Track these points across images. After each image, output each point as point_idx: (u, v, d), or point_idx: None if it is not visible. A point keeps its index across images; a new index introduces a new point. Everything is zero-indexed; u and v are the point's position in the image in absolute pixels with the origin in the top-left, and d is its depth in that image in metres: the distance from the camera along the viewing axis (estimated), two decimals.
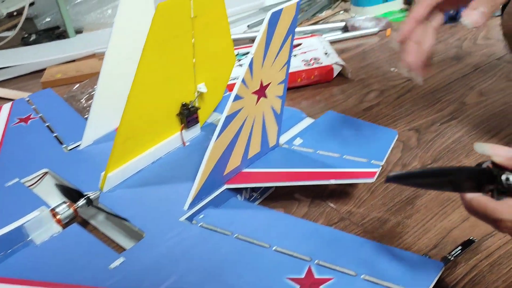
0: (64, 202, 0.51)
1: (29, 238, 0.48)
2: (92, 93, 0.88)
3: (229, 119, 0.48)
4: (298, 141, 0.59)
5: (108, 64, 0.62)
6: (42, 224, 0.49)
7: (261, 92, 0.51)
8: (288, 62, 0.53)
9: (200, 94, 0.61)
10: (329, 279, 0.39)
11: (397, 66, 0.87)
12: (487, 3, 0.43)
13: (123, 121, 0.53)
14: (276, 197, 0.58)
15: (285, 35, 0.50)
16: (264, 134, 0.55)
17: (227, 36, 0.63)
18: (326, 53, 0.87)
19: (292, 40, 0.52)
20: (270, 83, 0.52)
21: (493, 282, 0.45)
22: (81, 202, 0.52)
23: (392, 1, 1.15)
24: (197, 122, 0.62)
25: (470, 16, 0.43)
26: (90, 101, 0.86)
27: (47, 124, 0.69)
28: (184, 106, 0.59)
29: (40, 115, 0.72)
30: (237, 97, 0.48)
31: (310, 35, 0.98)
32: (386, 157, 0.55)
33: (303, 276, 0.40)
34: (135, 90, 0.52)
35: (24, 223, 0.47)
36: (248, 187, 0.55)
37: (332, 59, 0.85)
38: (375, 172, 0.51)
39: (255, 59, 0.47)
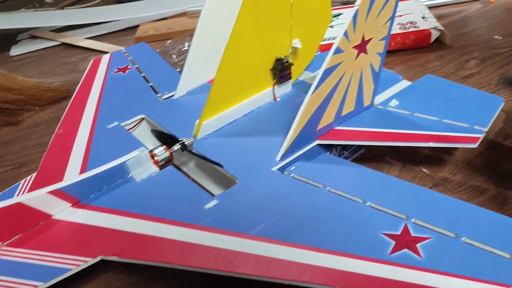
0: (161, 145, 0.54)
1: (130, 175, 0.51)
2: (183, 49, 0.91)
3: (327, 72, 0.48)
4: (394, 102, 0.57)
5: (205, 18, 0.63)
6: (141, 163, 0.51)
7: (362, 47, 0.50)
8: (392, 18, 0.51)
9: (294, 50, 0.61)
10: (426, 238, 0.38)
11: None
12: None
13: (219, 72, 0.53)
14: (366, 159, 0.57)
15: None
16: (360, 92, 0.54)
17: None
18: (423, 17, 0.83)
19: None
20: (371, 38, 0.50)
21: None
22: (176, 146, 0.54)
23: None
24: (289, 78, 0.61)
25: None
26: (180, 57, 0.89)
27: (143, 75, 0.72)
28: (279, 61, 0.59)
29: (136, 66, 0.75)
30: (338, 50, 0.47)
31: None
32: (491, 123, 0.51)
33: (399, 232, 0.39)
34: (232, 43, 0.52)
35: (126, 161, 0.50)
36: (338, 145, 0.54)
37: (430, 24, 0.80)
38: (478, 138, 0.49)
39: (360, 11, 0.46)
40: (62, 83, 0.89)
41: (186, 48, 0.91)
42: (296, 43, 0.60)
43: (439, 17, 0.89)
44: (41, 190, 0.45)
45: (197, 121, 0.55)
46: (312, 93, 0.47)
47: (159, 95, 0.66)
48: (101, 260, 0.43)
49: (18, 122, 0.78)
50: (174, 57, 0.90)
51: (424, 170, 0.54)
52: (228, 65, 0.54)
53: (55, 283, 0.42)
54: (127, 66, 0.75)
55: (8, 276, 0.41)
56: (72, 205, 0.48)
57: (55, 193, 0.46)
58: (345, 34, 0.47)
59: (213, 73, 0.66)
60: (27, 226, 0.45)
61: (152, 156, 0.52)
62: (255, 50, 0.56)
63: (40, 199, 0.45)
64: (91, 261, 0.42)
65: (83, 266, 0.42)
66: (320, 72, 0.47)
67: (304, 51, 0.62)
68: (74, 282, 0.47)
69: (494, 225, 0.39)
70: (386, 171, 0.55)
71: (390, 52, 0.80)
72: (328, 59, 0.47)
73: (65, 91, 0.86)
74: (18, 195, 0.50)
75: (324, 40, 0.70)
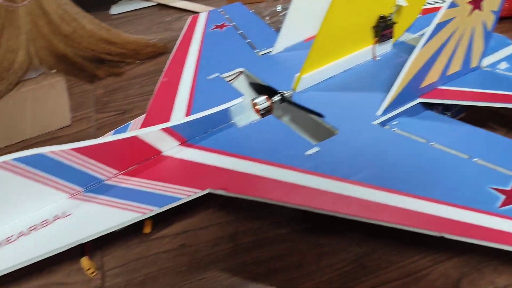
0: (262, 95, 0.56)
1: (232, 121, 0.53)
2: (277, 10, 0.92)
3: (439, 27, 0.47)
4: (504, 65, 0.55)
5: None
6: (243, 111, 0.54)
7: (477, 2, 0.48)
8: None
9: (399, 9, 0.60)
10: None
11: None
12: None
13: (323, 27, 0.54)
14: (469, 121, 0.55)
15: None
16: (469, 52, 0.52)
17: None
18: None
19: None
20: None
21: None
22: (276, 97, 0.56)
23: None
24: (390, 37, 0.60)
25: None
26: (274, 18, 0.90)
27: (239, 32, 0.74)
28: (382, 18, 0.58)
29: (233, 23, 0.77)
30: (453, 4, 0.46)
31: None
32: None
33: (509, 188, 0.38)
34: None
35: (230, 107, 0.53)
36: (440, 105, 0.53)
37: None
38: None
39: None
40: (159, 40, 0.94)
41: (279, 10, 0.92)
42: (401, 1, 0.59)
43: None
44: (154, 127, 0.49)
45: (297, 75, 0.56)
46: (421, 48, 0.47)
47: (256, 50, 0.68)
48: (203, 198, 0.46)
49: (121, 73, 0.84)
50: (267, 18, 0.91)
51: None
52: (332, 20, 0.54)
53: (164, 213, 0.46)
54: (224, 23, 0.78)
55: (126, 200, 0.45)
56: (179, 144, 0.51)
57: (166, 130, 0.49)
58: None
59: (310, 32, 0.67)
60: (140, 158, 0.49)
61: (254, 105, 0.54)
62: (360, 6, 0.56)
63: (153, 135, 0.49)
64: (200, 192, 0.45)
65: (193, 196, 0.45)
66: (431, 26, 0.46)
67: (408, 10, 0.61)
68: (179, 215, 0.51)
69: None
70: None
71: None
72: (442, 13, 0.46)
73: (162, 47, 0.90)
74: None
75: (428, 4, 0.68)
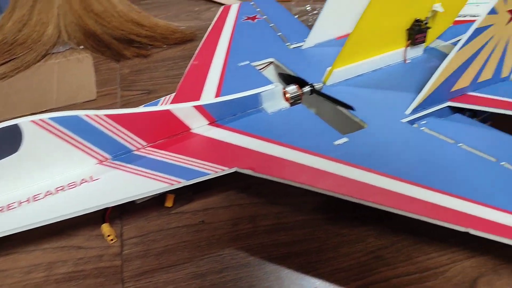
0: (294, 85, 0.56)
1: (262, 106, 0.54)
2: (307, 8, 0.93)
3: (477, 32, 0.47)
4: None
5: None
6: (274, 97, 0.54)
7: None
8: None
9: (434, 14, 0.60)
10: None
11: None
12: None
13: (359, 24, 0.55)
14: None
15: None
16: (501, 61, 0.53)
17: None
18: None
19: None
20: None
21: None
22: (307, 88, 0.56)
23: None
24: (423, 41, 0.61)
25: None
26: (303, 17, 0.91)
27: (271, 25, 0.75)
28: (417, 21, 0.59)
29: (264, 16, 0.78)
30: (493, 11, 0.47)
31: None
32: None
33: None
34: None
35: (261, 92, 0.53)
36: (468, 111, 0.53)
37: None
38: None
39: None
40: (187, 28, 0.95)
41: (309, 9, 0.93)
42: (438, 7, 0.59)
43: None
44: (187, 104, 0.50)
45: (329, 68, 0.57)
46: (458, 50, 0.47)
47: (287, 43, 0.69)
48: (224, 179, 0.47)
49: (148, 55, 0.85)
50: (296, 17, 0.92)
51: None
52: (369, 19, 0.55)
53: (185, 189, 0.46)
54: (256, 16, 0.78)
55: (154, 170, 0.46)
56: (209, 123, 0.52)
57: (198, 108, 0.50)
58: None
59: (343, 30, 0.67)
60: (170, 133, 0.50)
61: (284, 93, 0.55)
62: (396, 7, 0.57)
63: (185, 111, 0.50)
64: (227, 170, 0.46)
65: (220, 173, 0.46)
66: (470, 30, 0.47)
67: (443, 16, 0.61)
68: (200, 193, 0.51)
69: None
70: None
71: None
72: (482, 18, 0.46)
73: (190, 34, 0.91)
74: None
75: (465, 16, 0.69)
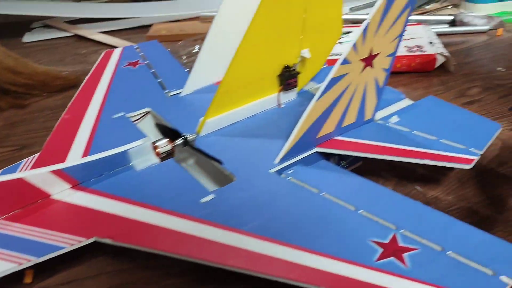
0: (165, 138, 0.55)
1: (130, 164, 0.52)
2: (193, 51, 0.93)
3: (333, 81, 0.49)
4: (395, 119, 0.58)
5: (219, 21, 0.65)
6: (143, 153, 0.53)
7: (369, 60, 0.51)
8: (401, 36, 0.53)
9: (303, 60, 0.62)
10: (413, 249, 0.39)
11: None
12: None
13: (228, 73, 0.55)
14: (362, 172, 0.57)
15: (404, 6, 0.49)
16: (362, 105, 0.55)
17: (338, 8, 0.64)
18: (430, 43, 0.85)
19: (409, 13, 0.51)
20: (379, 53, 0.52)
21: None
22: (179, 141, 0.55)
23: (507, 1, 1.08)
24: (295, 86, 0.63)
25: None
26: (190, 58, 0.91)
27: (152, 71, 0.74)
28: (286, 68, 0.60)
29: (147, 61, 0.77)
30: (345, 61, 0.48)
31: (416, 23, 0.95)
32: (486, 147, 0.53)
33: (387, 241, 0.40)
34: (244, 46, 0.54)
35: (129, 149, 0.51)
36: (336, 155, 0.55)
37: (436, 49, 0.82)
38: (473, 160, 0.50)
39: (370, 25, 0.47)
40: (71, 73, 0.91)
41: (196, 50, 0.93)
42: (305, 52, 0.61)
43: (445, 45, 0.91)
44: (43, 169, 0.46)
45: (202, 118, 0.56)
46: (317, 100, 0.49)
47: (166, 91, 0.67)
48: (94, 244, 0.44)
49: (25, 106, 0.80)
50: (184, 58, 0.91)
51: (418, 188, 0.55)
52: (238, 67, 0.55)
53: (47, 260, 0.43)
54: (138, 61, 0.77)
55: (3, 248, 0.42)
56: (71, 187, 0.49)
57: (56, 172, 0.47)
58: (354, 46, 0.48)
59: (221, 75, 0.67)
60: (26, 202, 0.46)
61: (155, 148, 0.54)
62: (265, 55, 0.58)
63: (41, 177, 0.46)
64: (85, 241, 0.43)
65: (77, 245, 0.43)
66: (326, 80, 0.48)
67: (312, 61, 0.64)
68: (66, 263, 0.48)
69: (480, 242, 0.40)
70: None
71: (395, 73, 0.81)
72: (336, 69, 0.48)
73: (73, 80, 0.87)
74: (20, 172, 0.51)
75: (332, 55, 0.71)
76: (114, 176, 0.50)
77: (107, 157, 0.50)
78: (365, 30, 0.47)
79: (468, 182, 0.56)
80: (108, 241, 0.42)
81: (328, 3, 0.61)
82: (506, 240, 0.41)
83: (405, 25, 0.52)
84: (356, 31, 0.48)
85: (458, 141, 0.53)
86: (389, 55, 0.53)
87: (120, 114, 0.61)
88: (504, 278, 0.36)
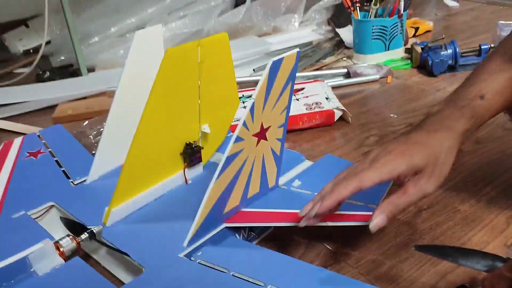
0: (68, 235, 0.53)
1: (32, 270, 0.49)
2: (101, 129, 0.91)
3: (229, 159, 0.51)
4: (297, 183, 0.61)
5: (118, 103, 0.65)
6: (45, 256, 0.50)
7: (261, 134, 0.54)
8: (288, 107, 0.56)
9: (204, 135, 0.64)
10: None
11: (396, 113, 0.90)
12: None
13: (129, 158, 0.55)
14: (274, 237, 0.59)
15: (285, 81, 0.53)
16: (264, 175, 0.57)
17: (232, 80, 0.67)
18: (327, 98, 0.90)
19: (292, 86, 0.55)
20: (270, 126, 0.54)
21: None
22: (84, 236, 0.54)
23: (393, 50, 1.19)
24: (200, 161, 0.64)
25: (373, 220, 0.48)
26: (98, 137, 0.89)
27: (55, 159, 0.72)
28: (188, 145, 0.61)
29: (49, 149, 0.74)
30: (238, 139, 0.50)
31: (313, 80, 1.02)
32: (382, 200, 0.56)
33: None
34: (141, 129, 0.54)
35: (28, 255, 0.49)
36: (246, 226, 0.56)
37: (333, 104, 0.88)
38: (370, 215, 0.53)
39: (256, 103, 0.50)
40: None
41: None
42: (205, 128, 0.63)
43: (343, 97, 0.98)
44: None
45: (107, 208, 0.55)
46: (216, 180, 0.50)
47: (70, 180, 0.66)
48: None
49: None
50: (92, 138, 0.90)
51: (328, 246, 0.57)
52: (138, 150, 0.55)
53: None
54: (40, 150, 0.74)
55: None
56: None
57: None
58: (244, 124, 0.50)
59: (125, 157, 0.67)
60: None
61: (58, 247, 0.52)
62: (165, 135, 0.58)
63: None
64: None
65: None
66: (222, 160, 0.50)
67: (214, 134, 0.65)
68: None
69: None
70: (293, 249, 0.57)
71: (298, 131, 0.86)
72: (229, 148, 0.50)
73: None
74: None
75: (238, 120, 0.74)
76: (15, 285, 0.47)
77: (3, 268, 0.47)
78: (252, 108, 0.50)
79: (373, 234, 0.59)
80: None
81: (220, 77, 0.63)
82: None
83: (291, 96, 0.55)
84: (244, 110, 0.50)
85: (356, 198, 0.56)
86: (280, 126, 0.56)
87: (21, 213, 0.59)
88: None
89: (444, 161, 0.49)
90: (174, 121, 0.59)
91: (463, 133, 0.53)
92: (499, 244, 0.56)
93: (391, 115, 0.90)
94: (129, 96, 0.65)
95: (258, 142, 0.54)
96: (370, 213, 0.53)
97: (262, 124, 0.53)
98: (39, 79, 1.29)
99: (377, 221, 0.48)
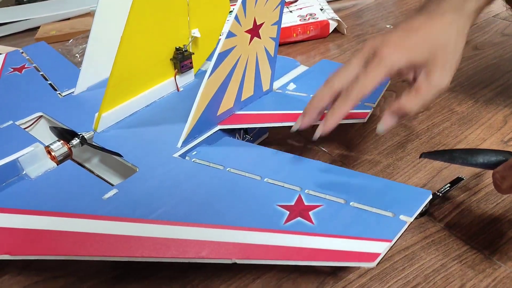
0: (58, 140, 0.52)
1: (24, 172, 0.48)
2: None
3: (222, 56, 0.48)
4: (292, 86, 0.59)
5: (102, 12, 0.62)
6: (36, 160, 0.49)
7: (254, 31, 0.51)
8: (282, 3, 0.53)
9: (194, 40, 0.61)
10: (318, 206, 0.40)
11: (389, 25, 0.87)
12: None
13: (116, 63, 0.53)
14: (269, 142, 0.59)
15: None
16: (258, 77, 0.55)
17: None
18: (321, 9, 0.87)
19: None
20: (263, 22, 0.52)
21: (479, 216, 0.46)
22: (75, 141, 0.52)
23: None
24: (191, 67, 0.62)
25: (382, 122, 0.44)
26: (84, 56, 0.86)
27: (41, 73, 0.69)
28: (178, 50, 0.59)
29: (34, 65, 0.72)
30: (230, 34, 0.48)
31: None
32: (378, 100, 0.55)
33: (293, 203, 0.41)
34: (128, 33, 0.51)
35: (19, 157, 0.48)
36: (241, 130, 0.55)
37: (327, 15, 0.84)
38: (367, 113, 0.52)
39: None
40: None
41: None
42: (195, 32, 0.60)
43: (336, 10, 0.94)
44: None
45: (97, 114, 0.54)
46: (208, 77, 0.48)
47: (58, 92, 0.64)
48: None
49: None
50: (78, 56, 0.87)
51: (323, 148, 0.57)
52: (125, 56, 0.53)
53: None
54: (24, 65, 0.72)
55: None
56: None
57: None
58: (236, 18, 0.48)
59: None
60: None
61: (49, 152, 0.50)
62: (153, 40, 0.56)
63: None
64: None
65: None
66: (214, 56, 0.48)
67: (204, 40, 0.63)
68: None
69: (379, 188, 0.42)
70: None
71: (292, 43, 0.83)
72: (222, 43, 0.47)
73: None
74: None
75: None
76: (7, 188, 0.47)
77: None
78: (244, 1, 0.47)
79: (368, 136, 0.59)
80: (6, 257, 0.39)
81: None
82: (405, 184, 0.43)
83: None
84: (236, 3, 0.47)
85: None
86: (274, 24, 0.54)
87: (8, 123, 0.57)
88: (403, 217, 0.38)
89: (454, 49, 0.44)
90: (162, 25, 0.56)
91: (475, 11, 0.46)
92: (496, 141, 0.55)
93: (387, 26, 0.87)
94: (114, 3, 0.62)
95: (251, 39, 0.51)
96: (367, 110, 0.53)
97: (255, 19, 0.50)
98: (19, 2, 1.22)
99: (386, 122, 0.44)
